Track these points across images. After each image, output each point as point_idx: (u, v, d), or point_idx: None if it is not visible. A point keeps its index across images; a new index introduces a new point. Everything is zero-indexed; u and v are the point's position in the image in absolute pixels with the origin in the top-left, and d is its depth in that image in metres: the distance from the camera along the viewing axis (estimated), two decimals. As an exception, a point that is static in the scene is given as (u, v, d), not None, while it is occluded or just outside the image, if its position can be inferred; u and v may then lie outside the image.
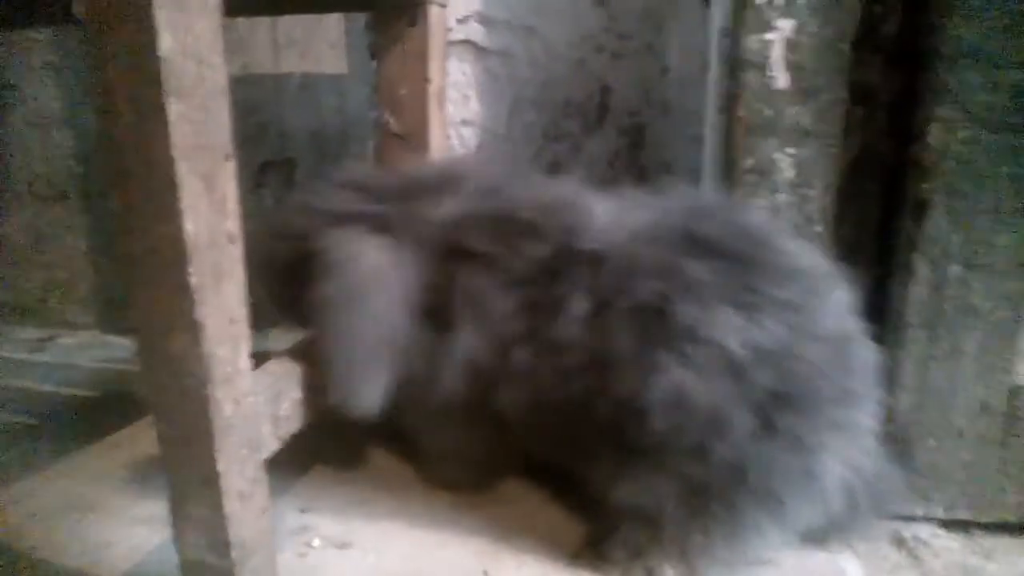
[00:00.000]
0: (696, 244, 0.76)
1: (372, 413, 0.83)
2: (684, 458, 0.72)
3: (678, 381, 0.70)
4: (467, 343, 0.81)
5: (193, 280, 0.58)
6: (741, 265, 0.74)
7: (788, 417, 0.71)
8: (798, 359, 0.71)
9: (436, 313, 0.83)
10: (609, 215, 0.83)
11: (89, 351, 1.64)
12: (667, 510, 0.76)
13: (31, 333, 1.74)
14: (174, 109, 0.55)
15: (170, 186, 0.56)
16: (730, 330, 0.70)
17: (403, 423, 0.95)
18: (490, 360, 0.81)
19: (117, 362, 1.56)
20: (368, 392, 0.82)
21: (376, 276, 0.82)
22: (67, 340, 1.72)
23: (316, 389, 0.84)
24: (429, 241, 0.85)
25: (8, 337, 1.73)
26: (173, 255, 0.58)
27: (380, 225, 0.85)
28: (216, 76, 0.59)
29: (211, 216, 0.59)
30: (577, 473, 0.87)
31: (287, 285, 0.89)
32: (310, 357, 0.84)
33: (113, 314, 1.74)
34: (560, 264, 0.79)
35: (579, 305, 0.76)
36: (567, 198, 0.86)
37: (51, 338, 1.72)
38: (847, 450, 0.78)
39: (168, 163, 0.55)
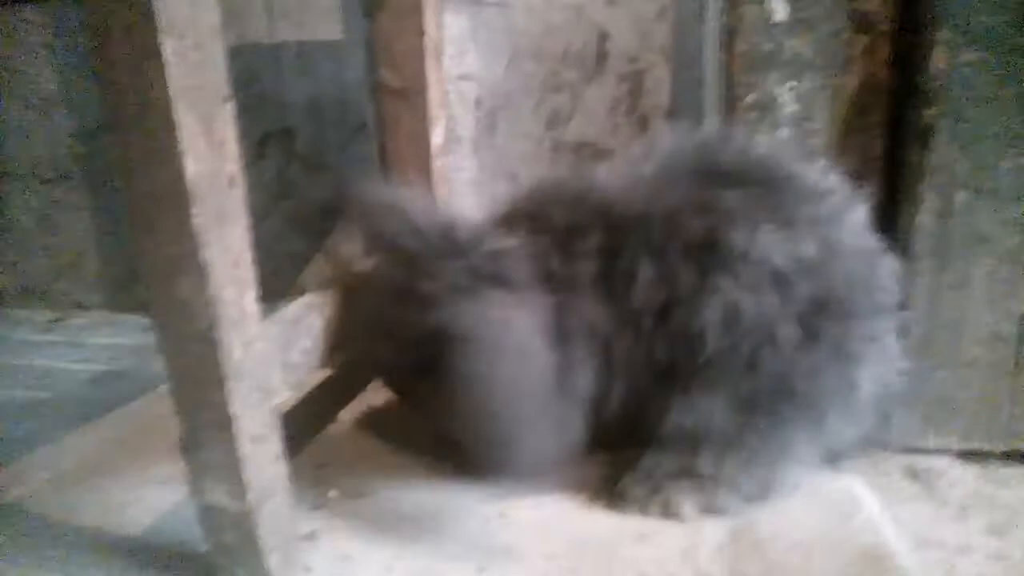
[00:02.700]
0: (718, 176, 0.80)
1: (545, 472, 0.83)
2: (736, 374, 0.76)
3: (733, 299, 0.75)
4: (586, 377, 0.81)
5: (196, 221, 0.58)
6: (767, 189, 0.79)
7: (829, 325, 0.76)
8: (833, 269, 0.76)
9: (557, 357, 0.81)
10: (624, 176, 0.85)
11: (99, 330, 1.65)
12: (714, 430, 0.78)
13: (41, 315, 1.75)
14: (169, 48, 0.55)
15: (168, 127, 0.56)
16: (773, 247, 0.75)
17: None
18: (603, 379, 0.82)
19: (127, 338, 1.57)
20: (543, 459, 0.81)
21: (528, 343, 0.79)
22: (77, 320, 1.72)
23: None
24: (536, 280, 0.82)
25: (18, 319, 1.73)
26: (175, 197, 0.58)
27: (502, 279, 0.81)
28: (209, 16, 0.58)
29: (211, 158, 0.59)
30: (637, 432, 0.86)
31: (410, 358, 0.83)
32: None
33: (122, 293, 1.74)
34: (612, 241, 0.81)
35: (646, 269, 0.78)
36: (580, 181, 0.87)
37: (60, 319, 1.73)
38: (880, 364, 0.82)
39: (165, 104, 0.55)
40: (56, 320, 1.73)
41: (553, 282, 0.82)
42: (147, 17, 0.54)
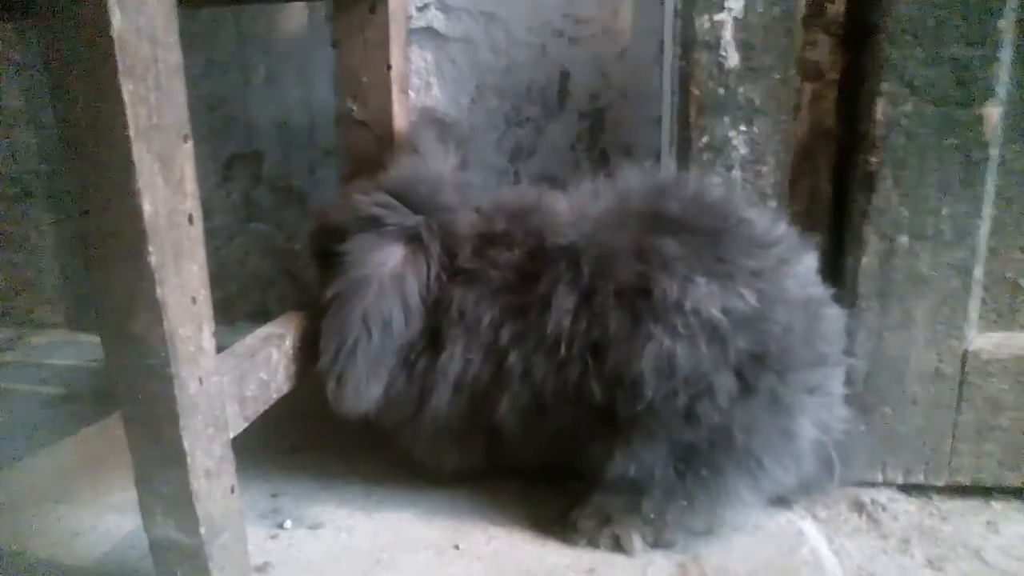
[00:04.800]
0: (664, 223, 0.81)
1: (360, 413, 0.86)
2: (675, 424, 0.77)
3: (668, 349, 0.75)
4: (458, 359, 0.84)
5: (153, 259, 0.59)
6: (713, 238, 0.80)
7: (767, 378, 0.77)
8: (772, 322, 0.77)
9: (432, 332, 0.86)
10: (573, 209, 0.87)
11: (58, 349, 1.63)
12: (656, 478, 0.79)
13: (-1, 333, 1.73)
14: (128, 89, 0.55)
15: (126, 166, 0.57)
16: (708, 298, 0.76)
17: (396, 443, 0.96)
18: (483, 373, 0.84)
19: (86, 360, 1.55)
20: (366, 392, 0.84)
21: (395, 283, 0.84)
22: (36, 339, 1.70)
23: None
24: (443, 257, 0.87)
25: (-25, 338, 1.71)
26: (131, 235, 0.58)
27: (410, 236, 0.86)
28: (170, 56, 0.59)
29: (169, 196, 0.60)
30: (572, 466, 0.89)
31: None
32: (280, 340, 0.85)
33: (81, 312, 1.73)
34: (536, 266, 0.83)
35: (565, 299, 0.80)
36: (529, 201, 0.89)
37: (19, 337, 1.71)
38: (821, 412, 0.83)
39: (124, 143, 0.56)
40: (14, 339, 1.70)
41: (454, 269, 0.86)
42: (107, 58, 0.54)
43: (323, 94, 1.46)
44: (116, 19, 0.54)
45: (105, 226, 0.59)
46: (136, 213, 0.58)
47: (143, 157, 0.57)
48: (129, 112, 0.56)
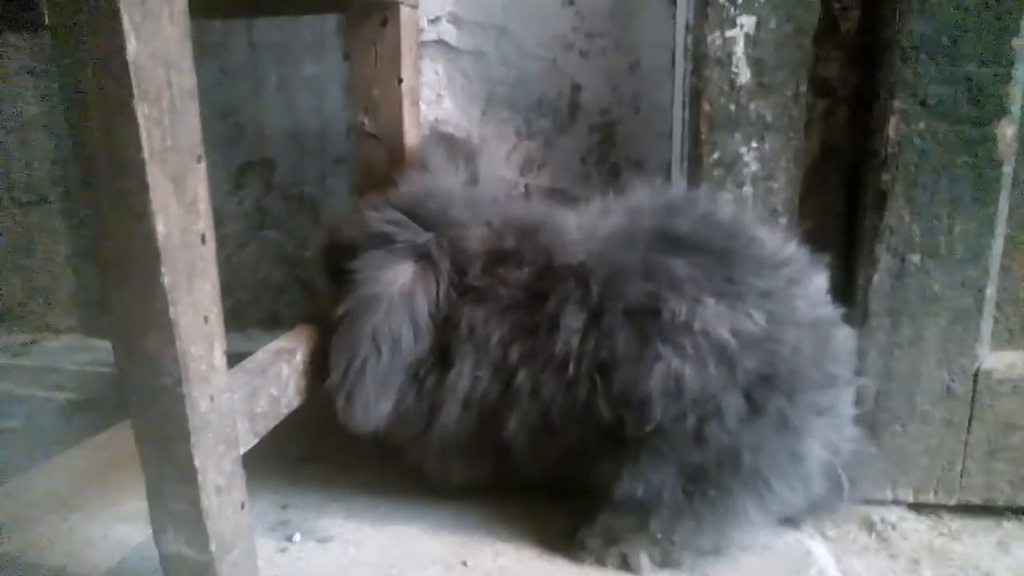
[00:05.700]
0: (673, 242, 0.81)
1: (369, 429, 0.86)
2: (683, 445, 0.77)
3: (676, 369, 0.75)
4: (467, 376, 0.84)
5: (166, 280, 0.59)
6: (719, 258, 0.80)
7: (775, 399, 0.77)
8: (781, 343, 0.77)
9: (441, 349, 0.86)
10: (582, 227, 0.87)
11: (72, 355, 1.64)
12: (664, 498, 0.79)
13: (14, 338, 1.74)
14: (143, 113, 0.56)
15: (140, 188, 0.57)
16: (717, 319, 0.76)
17: (405, 457, 0.97)
18: (492, 391, 0.84)
19: (100, 365, 1.56)
20: (376, 409, 0.85)
21: (404, 300, 0.84)
22: (50, 344, 1.72)
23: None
24: (453, 274, 0.87)
25: (-10, 342, 1.72)
26: (145, 255, 0.59)
27: (420, 253, 0.87)
28: (184, 80, 0.60)
29: (182, 217, 0.61)
30: (580, 483, 0.89)
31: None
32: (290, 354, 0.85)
33: (95, 317, 1.74)
34: (544, 284, 0.83)
35: (574, 319, 0.80)
36: (539, 219, 0.89)
37: (34, 342, 1.72)
38: (830, 434, 0.83)
39: (138, 165, 0.57)
40: (29, 343, 1.72)
41: (464, 287, 0.86)
42: (122, 81, 0.55)
43: (334, 103, 1.46)
44: (131, 44, 0.54)
45: (119, 246, 0.60)
46: (150, 234, 0.58)
47: (157, 179, 0.58)
48: (143, 135, 0.56)
